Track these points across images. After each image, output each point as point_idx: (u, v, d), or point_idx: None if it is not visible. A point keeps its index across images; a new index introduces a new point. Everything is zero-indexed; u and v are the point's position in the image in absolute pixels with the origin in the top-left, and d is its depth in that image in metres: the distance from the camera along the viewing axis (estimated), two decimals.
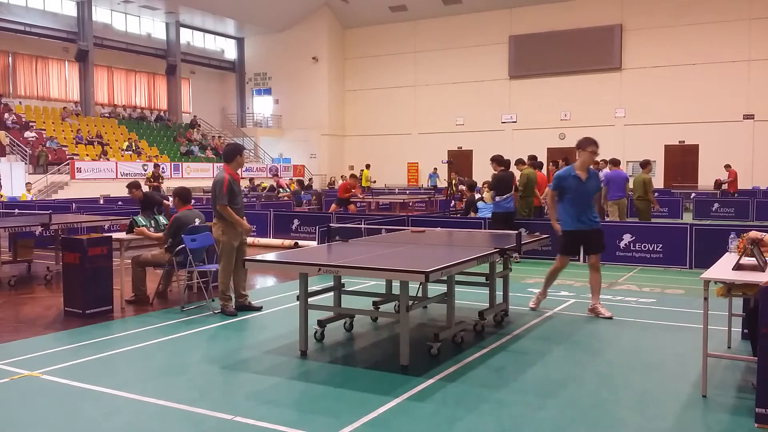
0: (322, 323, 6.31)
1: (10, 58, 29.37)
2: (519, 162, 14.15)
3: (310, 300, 6.00)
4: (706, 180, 27.80)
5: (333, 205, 17.87)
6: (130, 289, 8.15)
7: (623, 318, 7.00)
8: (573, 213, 7.15)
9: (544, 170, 17.55)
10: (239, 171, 8.25)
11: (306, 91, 36.31)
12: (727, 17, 27.95)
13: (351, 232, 8.15)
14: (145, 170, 26.69)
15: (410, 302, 5.45)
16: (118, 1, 30.94)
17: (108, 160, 27.16)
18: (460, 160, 31.86)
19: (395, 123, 35.42)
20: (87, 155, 27.17)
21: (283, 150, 37.47)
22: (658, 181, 25.85)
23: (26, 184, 22.32)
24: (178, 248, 7.73)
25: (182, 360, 5.79)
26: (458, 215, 15.91)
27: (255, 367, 5.53)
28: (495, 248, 6.30)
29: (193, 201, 8.76)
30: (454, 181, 21.80)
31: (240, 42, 38.70)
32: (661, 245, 10.84)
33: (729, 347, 5.93)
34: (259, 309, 7.64)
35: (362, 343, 6.39)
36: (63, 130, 28.36)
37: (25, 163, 24.64)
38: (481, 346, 6.07)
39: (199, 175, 29.10)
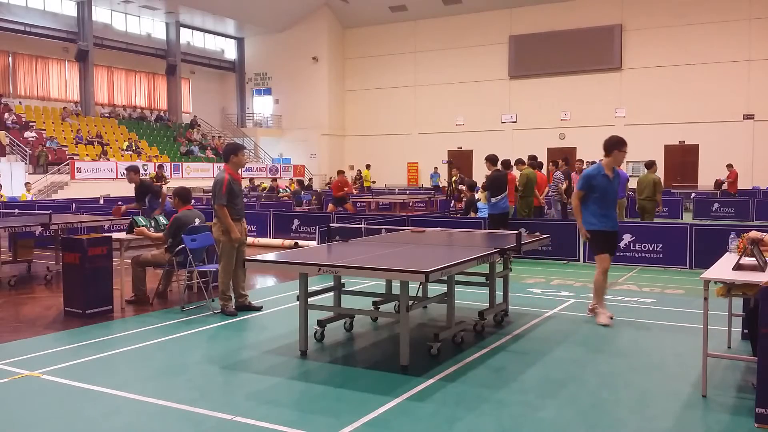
0: (322, 323, 6.31)
1: (10, 58, 29.37)
2: (518, 162, 14.17)
3: (310, 300, 6.00)
4: (706, 180, 27.81)
5: (330, 206, 17.87)
6: (130, 289, 8.15)
7: (623, 318, 7.00)
8: (599, 213, 6.90)
9: (544, 170, 17.55)
10: (240, 171, 8.24)
11: (306, 91, 36.31)
12: (727, 17, 27.95)
13: (351, 232, 8.15)
14: (146, 170, 26.69)
15: (410, 302, 5.45)
16: (118, 1, 30.94)
17: (108, 160, 27.17)
18: (460, 160, 31.85)
19: (395, 123, 35.42)
20: (87, 155, 27.18)
21: (283, 150, 37.48)
22: None
23: (25, 184, 22.31)
24: (178, 248, 7.73)
25: (182, 360, 5.78)
26: (458, 215, 15.92)
27: (255, 367, 5.53)
28: (495, 248, 6.30)
29: (193, 201, 8.76)
30: (455, 178, 21.75)
31: (240, 42, 38.70)
32: (661, 245, 10.84)
33: (729, 347, 5.93)
34: (259, 309, 7.64)
35: (362, 343, 6.39)
36: (63, 130, 28.37)
37: (25, 163, 24.65)
38: (481, 346, 6.07)
39: (199, 175, 29.10)
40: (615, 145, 6.92)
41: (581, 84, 30.81)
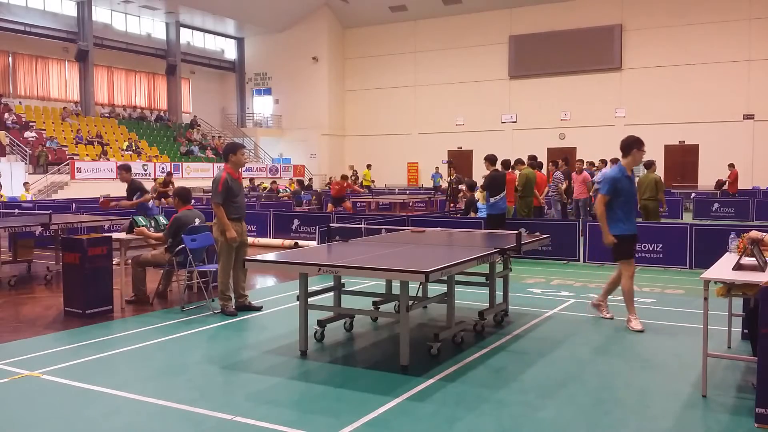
0: (322, 323, 6.31)
1: (10, 58, 29.36)
2: (518, 162, 14.18)
3: (310, 300, 6.00)
4: (706, 180, 27.80)
5: (329, 205, 17.86)
6: (130, 289, 8.15)
7: (623, 318, 6.99)
8: (623, 216, 6.67)
9: (544, 170, 17.56)
10: (240, 170, 8.25)
11: (306, 91, 36.31)
12: (727, 17, 27.94)
13: (351, 232, 8.15)
14: (146, 170, 26.71)
15: (410, 302, 5.45)
16: (118, 1, 30.94)
17: (108, 160, 27.15)
18: (460, 160, 31.86)
19: (395, 123, 35.42)
20: (87, 155, 27.17)
21: (283, 150, 37.48)
22: None
23: (24, 183, 22.29)
24: (178, 248, 7.73)
25: (182, 360, 5.78)
26: (458, 215, 15.92)
27: (255, 367, 5.53)
28: (495, 248, 6.30)
29: (193, 201, 8.76)
30: (451, 178, 21.71)
31: (240, 42, 38.70)
32: (661, 245, 10.84)
33: (729, 347, 5.93)
34: (259, 309, 7.64)
35: (362, 343, 6.39)
36: (63, 130, 28.36)
37: (25, 163, 24.65)
38: (481, 346, 6.07)
39: (199, 175, 29.08)
40: (632, 145, 6.71)
41: (581, 84, 30.80)
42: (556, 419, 4.35)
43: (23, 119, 27.61)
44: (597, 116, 30.30)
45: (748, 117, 27.98)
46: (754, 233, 5.33)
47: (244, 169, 28.06)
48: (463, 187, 18.16)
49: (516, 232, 6.75)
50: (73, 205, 17.37)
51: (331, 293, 6.63)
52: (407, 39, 34.86)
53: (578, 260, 11.39)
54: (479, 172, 28.21)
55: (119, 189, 23.57)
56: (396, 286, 6.46)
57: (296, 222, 14.91)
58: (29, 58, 30.02)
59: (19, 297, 8.66)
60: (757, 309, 4.33)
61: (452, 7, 32.98)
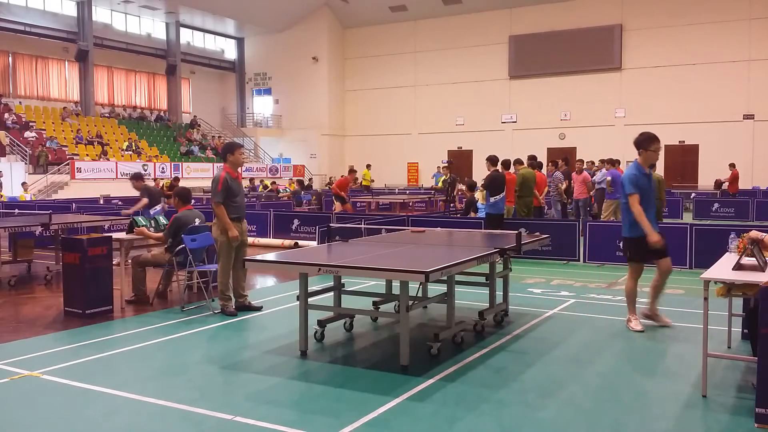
0: (322, 323, 6.31)
1: (10, 58, 29.37)
2: (517, 162, 14.20)
3: (310, 300, 6.00)
4: (706, 180, 27.79)
5: (338, 205, 17.31)
6: (130, 289, 8.15)
7: (623, 318, 6.99)
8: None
9: (544, 170, 17.56)
10: (239, 170, 8.25)
11: (306, 91, 36.30)
12: (727, 17, 27.94)
13: (351, 232, 8.15)
14: (146, 170, 26.69)
15: (410, 302, 5.45)
16: (118, 1, 30.94)
17: (108, 160, 27.16)
18: (460, 160, 31.88)
19: (395, 123, 35.42)
20: (87, 155, 27.17)
21: (283, 150, 37.47)
22: None
23: (22, 183, 22.27)
24: (178, 248, 7.73)
25: (182, 360, 5.78)
26: (458, 215, 15.92)
27: (255, 367, 5.53)
28: (495, 248, 6.30)
29: (193, 201, 8.76)
30: (444, 178, 21.64)
31: (240, 42, 38.69)
32: None
33: (729, 347, 5.93)
34: (259, 309, 7.64)
35: (362, 343, 6.39)
36: (63, 130, 28.36)
37: (25, 163, 24.65)
38: (481, 346, 6.07)
39: (199, 175, 29.08)
40: (643, 143, 6.55)
41: (581, 84, 30.80)
42: (556, 419, 4.35)
43: (23, 119, 27.61)
44: (597, 116, 30.30)
45: (748, 117, 27.98)
46: (754, 233, 5.33)
47: (244, 169, 28.12)
48: (462, 186, 18.16)
49: (516, 232, 6.75)
50: (73, 205, 17.37)
51: (331, 293, 6.63)
52: (407, 39, 34.86)
53: (578, 260, 11.38)
54: (479, 172, 28.25)
55: (119, 189, 23.68)
56: (396, 286, 6.46)
57: (296, 222, 14.91)
58: (29, 58, 30.02)
59: (19, 297, 8.66)
60: (757, 309, 4.33)
61: (452, 7, 32.98)
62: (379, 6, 33.85)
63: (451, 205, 19.50)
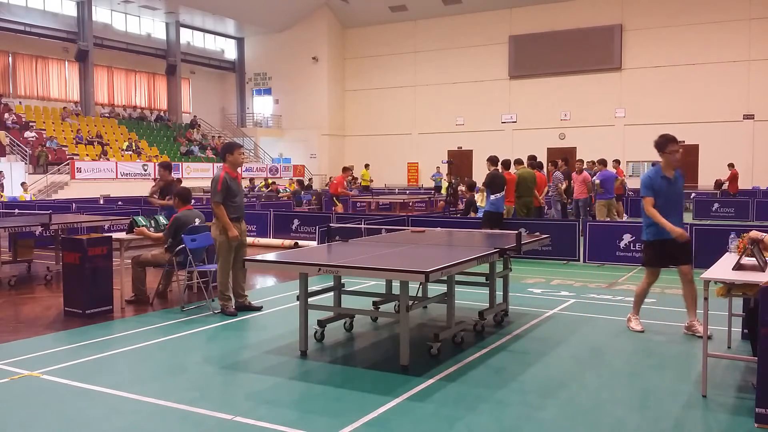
0: (322, 323, 6.31)
1: (10, 58, 29.35)
2: (516, 162, 14.22)
3: (310, 300, 6.00)
4: (706, 180, 27.79)
5: (339, 205, 17.32)
6: (130, 289, 8.15)
7: (623, 318, 6.99)
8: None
9: (544, 170, 17.56)
10: (239, 170, 8.25)
11: (306, 91, 36.30)
12: (727, 17, 27.93)
13: (351, 232, 8.15)
14: (145, 170, 26.71)
15: (410, 302, 5.45)
16: (118, 1, 30.93)
17: (108, 160, 27.15)
18: (460, 160, 31.86)
19: (395, 123, 35.41)
20: (87, 155, 27.16)
21: (283, 150, 37.47)
22: None
23: (21, 184, 22.25)
24: (178, 248, 7.73)
25: (182, 360, 5.78)
26: (458, 215, 15.92)
27: (255, 367, 5.53)
28: (495, 248, 6.30)
29: (193, 201, 8.76)
30: (452, 181, 21.69)
31: (240, 42, 38.69)
32: None
33: (729, 347, 5.93)
34: (259, 309, 7.64)
35: (362, 343, 6.39)
36: (63, 130, 28.35)
37: (25, 163, 24.64)
38: (481, 346, 6.07)
39: (199, 175, 29.07)
40: (660, 146, 6.37)
41: (581, 84, 30.79)
42: (556, 419, 4.35)
43: (23, 119, 27.60)
44: (597, 116, 30.29)
45: (748, 117, 27.97)
46: (754, 233, 5.33)
47: (243, 169, 28.10)
48: (462, 187, 18.17)
49: (516, 232, 6.75)
50: (73, 205, 17.37)
51: (331, 293, 6.63)
52: (407, 39, 34.85)
53: (578, 260, 11.38)
54: (479, 172, 28.26)
55: (119, 189, 23.67)
56: (396, 286, 6.46)
57: (296, 222, 14.91)
58: (29, 58, 30.01)
59: (19, 297, 8.66)
60: (757, 309, 4.33)
61: (452, 7, 32.97)
62: (379, 6, 33.84)
63: (452, 207, 19.50)
